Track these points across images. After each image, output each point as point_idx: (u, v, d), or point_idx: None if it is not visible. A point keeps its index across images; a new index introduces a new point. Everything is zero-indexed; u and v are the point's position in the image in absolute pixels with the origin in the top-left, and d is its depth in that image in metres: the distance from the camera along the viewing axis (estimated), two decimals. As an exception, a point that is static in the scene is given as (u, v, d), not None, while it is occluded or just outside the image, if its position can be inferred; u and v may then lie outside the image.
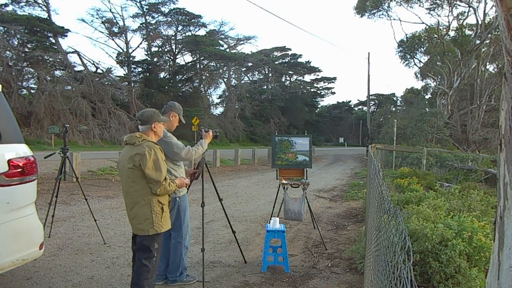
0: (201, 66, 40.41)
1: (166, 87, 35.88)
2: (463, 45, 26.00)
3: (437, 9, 26.74)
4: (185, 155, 3.66)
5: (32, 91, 26.38)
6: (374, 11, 27.84)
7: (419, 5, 26.57)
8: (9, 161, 3.03)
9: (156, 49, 37.89)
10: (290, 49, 50.84)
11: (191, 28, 38.14)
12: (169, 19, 36.61)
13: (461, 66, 25.74)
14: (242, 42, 43.00)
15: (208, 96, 42.88)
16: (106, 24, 33.34)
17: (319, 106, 62.78)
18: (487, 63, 29.57)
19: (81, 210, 7.00)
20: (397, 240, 1.38)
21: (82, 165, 11.44)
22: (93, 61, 39.05)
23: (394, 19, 32.07)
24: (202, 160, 3.99)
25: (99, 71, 30.17)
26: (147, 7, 34.87)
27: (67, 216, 6.56)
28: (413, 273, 1.11)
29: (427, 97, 37.64)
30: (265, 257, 4.25)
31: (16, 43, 25.67)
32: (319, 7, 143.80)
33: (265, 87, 49.94)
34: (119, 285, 3.75)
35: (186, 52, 39.02)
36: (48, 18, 27.89)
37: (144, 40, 36.20)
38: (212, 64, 40.46)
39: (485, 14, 24.16)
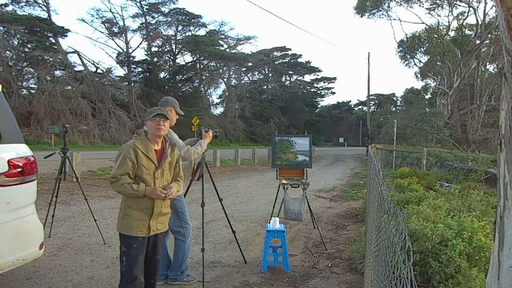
0: (201, 66, 40.43)
1: (166, 87, 35.89)
2: (463, 45, 26.01)
3: (437, 9, 26.78)
4: (184, 154, 3.64)
5: (32, 91, 26.39)
6: (374, 11, 27.85)
7: (419, 5, 26.60)
8: (9, 161, 3.02)
9: (156, 49, 37.94)
10: (290, 49, 50.92)
11: (191, 28, 38.17)
12: (169, 19, 36.63)
13: (461, 66, 25.74)
14: (242, 42, 43.06)
15: (208, 96, 42.91)
16: (106, 24, 33.36)
17: (319, 106, 62.83)
18: (487, 63, 29.58)
19: (81, 210, 7.00)
20: (397, 240, 1.38)
21: (82, 165, 11.44)
22: (93, 61, 39.11)
23: (394, 19, 32.12)
24: (202, 160, 3.98)
25: (99, 71, 30.19)
26: (147, 7, 34.89)
27: (67, 216, 6.56)
28: (413, 273, 1.11)
29: (427, 97, 37.66)
30: (265, 257, 4.25)
31: (16, 43, 25.69)
32: (319, 7, 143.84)
33: (265, 87, 49.95)
34: (119, 285, 3.74)
35: (186, 52, 39.07)
36: (48, 18, 27.91)
37: (144, 40, 36.23)
38: (212, 64, 40.47)
39: (485, 14, 24.18)
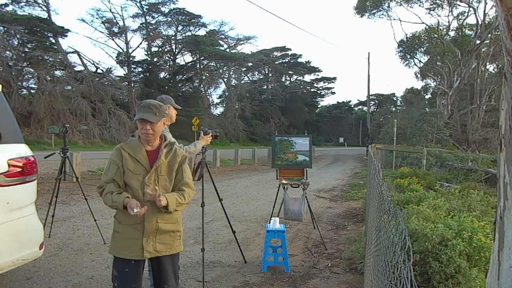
0: (201, 66, 40.43)
1: (166, 87, 35.90)
2: (463, 45, 26.01)
3: (437, 9, 26.77)
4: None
5: (32, 91, 26.40)
6: (374, 11, 27.85)
7: (419, 5, 26.60)
8: (9, 161, 3.03)
9: (156, 49, 37.94)
10: (290, 49, 50.93)
11: (191, 28, 38.17)
12: (169, 19, 36.63)
13: (461, 66, 25.74)
14: (242, 42, 43.06)
15: (208, 96, 42.92)
16: (106, 24, 33.36)
17: (319, 106, 62.85)
18: (487, 63, 29.59)
19: (81, 210, 7.00)
20: (397, 240, 1.38)
21: (82, 165, 11.44)
22: (93, 61, 39.06)
23: (394, 19, 32.10)
24: (202, 160, 3.98)
25: (99, 71, 30.20)
26: (147, 7, 34.90)
27: (67, 216, 6.56)
28: (413, 273, 1.11)
29: (427, 97, 37.68)
30: (265, 257, 4.25)
31: (16, 43, 25.70)
32: (319, 7, 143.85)
33: (265, 87, 49.96)
34: (119, 285, 3.75)
35: (186, 52, 39.07)
36: (48, 18, 27.91)
37: (144, 40, 36.23)
38: (212, 64, 40.47)
39: (485, 14, 24.18)
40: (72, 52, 29.20)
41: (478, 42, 24.28)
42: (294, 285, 3.91)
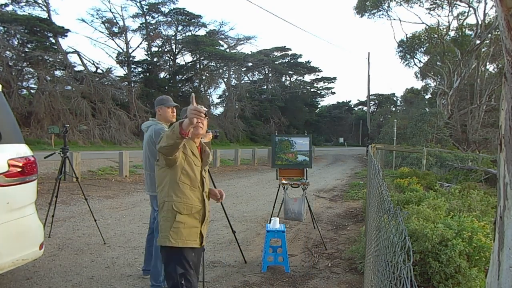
0: (201, 66, 40.41)
1: (166, 87, 35.89)
2: (463, 45, 26.00)
3: (437, 9, 26.77)
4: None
5: (32, 91, 26.38)
6: (374, 11, 27.85)
7: (419, 5, 26.60)
8: (9, 161, 3.03)
9: (156, 49, 37.91)
10: (290, 49, 50.86)
11: (191, 28, 38.14)
12: (169, 19, 36.61)
13: (461, 66, 25.74)
14: (242, 42, 43.00)
15: (208, 96, 42.87)
16: (106, 24, 33.33)
17: (319, 106, 62.78)
18: (487, 63, 29.59)
19: (81, 210, 7.00)
20: (397, 240, 1.38)
21: (82, 165, 11.44)
22: (93, 61, 39.05)
23: (394, 19, 32.09)
24: None
25: (99, 71, 30.17)
26: (147, 7, 34.88)
27: (67, 216, 6.56)
28: (413, 273, 1.11)
29: (427, 97, 37.67)
30: (265, 257, 4.26)
31: (16, 43, 25.66)
32: (319, 7, 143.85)
33: (265, 87, 49.94)
34: (119, 285, 3.75)
35: (186, 52, 39.04)
36: (48, 18, 27.89)
37: (144, 40, 36.22)
38: (212, 64, 40.45)
39: (485, 14, 24.19)
40: (72, 52, 29.20)
41: (478, 42, 24.29)
42: (294, 285, 3.91)
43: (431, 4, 26.38)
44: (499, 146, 1.60)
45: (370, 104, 43.13)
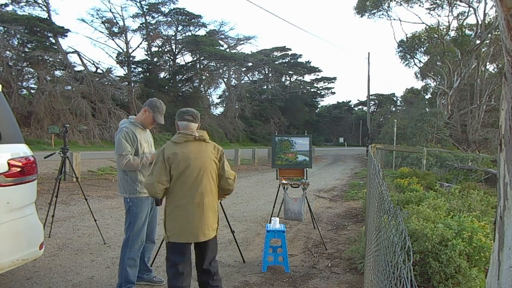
0: (201, 66, 40.41)
1: (166, 87, 35.89)
2: (463, 45, 26.01)
3: (437, 9, 26.79)
4: (117, 161, 3.38)
5: (32, 91, 26.37)
6: (374, 11, 27.86)
7: (419, 5, 26.63)
8: (9, 161, 3.03)
9: (156, 49, 37.91)
10: (290, 49, 50.87)
11: (191, 28, 38.13)
12: (169, 19, 36.60)
13: (461, 66, 25.75)
14: (242, 42, 42.99)
15: (208, 96, 42.89)
16: (106, 24, 33.32)
17: (319, 106, 62.79)
18: (487, 63, 29.60)
19: (81, 210, 7.00)
20: (397, 240, 1.38)
21: (82, 165, 11.44)
22: (93, 61, 39.06)
23: (394, 19, 32.13)
24: None
25: (99, 71, 30.17)
26: (147, 7, 34.87)
27: (67, 216, 6.56)
28: (413, 273, 1.11)
29: (427, 97, 37.70)
30: (265, 257, 4.25)
31: (16, 43, 25.66)
32: (319, 7, 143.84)
33: (265, 87, 49.94)
34: (119, 285, 3.74)
35: (186, 52, 39.03)
36: (48, 18, 27.88)
37: (144, 40, 36.21)
38: (212, 64, 40.44)
39: (485, 14, 24.19)
40: (72, 52, 29.20)
41: (478, 42, 24.29)
42: (294, 285, 3.91)
43: (431, 4, 26.41)
44: (499, 146, 1.60)
45: (370, 104, 43.12)
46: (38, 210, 3.48)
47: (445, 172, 13.99)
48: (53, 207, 5.20)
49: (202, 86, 41.62)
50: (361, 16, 28.83)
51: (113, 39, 34.50)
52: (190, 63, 39.54)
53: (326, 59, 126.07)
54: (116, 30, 34.10)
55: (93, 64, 30.52)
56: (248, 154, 20.37)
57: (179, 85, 38.87)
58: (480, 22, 23.99)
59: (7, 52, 24.31)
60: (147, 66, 35.84)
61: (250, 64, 44.54)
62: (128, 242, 3.37)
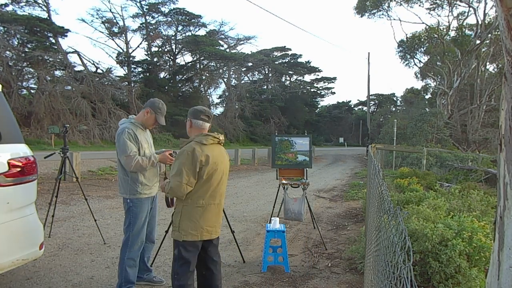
0: (201, 66, 40.41)
1: (166, 87, 35.90)
2: (463, 45, 26.01)
3: (437, 9, 26.80)
4: (125, 163, 3.33)
5: (32, 91, 26.37)
6: (374, 11, 27.86)
7: (419, 5, 26.64)
8: (9, 161, 3.02)
9: (156, 49, 37.92)
10: (290, 49, 50.87)
11: (191, 28, 38.15)
12: (169, 19, 36.61)
13: (461, 66, 25.75)
14: (242, 42, 42.99)
15: (208, 96, 42.88)
16: (106, 24, 33.32)
17: (319, 106, 62.79)
18: (487, 63, 29.60)
19: (81, 210, 7.00)
20: (397, 240, 1.38)
21: (82, 165, 11.44)
22: (93, 61, 39.07)
23: (394, 19, 32.12)
24: None
25: (99, 71, 30.17)
26: (147, 7, 34.88)
27: (67, 216, 6.56)
28: (413, 273, 1.11)
29: (427, 97, 37.71)
30: (265, 257, 4.25)
31: (16, 43, 25.66)
32: (319, 7, 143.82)
33: (265, 87, 49.94)
34: (119, 285, 3.74)
35: (186, 52, 39.04)
36: (48, 18, 27.89)
37: (144, 40, 36.22)
38: (212, 64, 40.45)
39: (485, 14, 24.19)
40: (72, 52, 29.20)
41: (478, 42, 24.29)
42: (294, 285, 3.91)
43: (431, 4, 26.42)
44: (499, 146, 1.60)
45: (370, 104, 43.12)
46: (38, 210, 3.48)
47: (445, 172, 13.99)
48: (53, 207, 5.20)
49: (202, 86, 41.63)
50: (361, 16, 28.85)
51: (113, 39, 34.52)
52: (190, 63, 39.55)
53: (326, 59, 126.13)
54: (116, 30, 34.11)
55: (93, 64, 30.54)
56: (248, 154, 20.37)
57: (179, 85, 38.88)
58: (480, 22, 24.00)
59: (7, 52, 24.31)
60: (147, 66, 35.85)
61: (250, 64, 44.55)
62: (128, 242, 3.37)
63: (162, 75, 38.05)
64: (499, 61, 27.95)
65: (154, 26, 36.38)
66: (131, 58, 34.51)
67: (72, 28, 66.44)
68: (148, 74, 35.59)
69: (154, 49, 37.47)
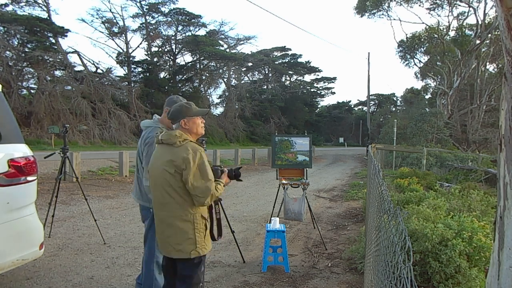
0: (201, 66, 40.42)
1: (166, 87, 35.88)
2: (463, 45, 26.01)
3: (437, 9, 26.78)
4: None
5: (32, 91, 26.38)
6: (374, 11, 27.85)
7: (419, 5, 26.62)
8: (9, 161, 3.03)
9: (156, 49, 37.92)
10: (290, 49, 50.85)
11: (191, 28, 38.14)
12: (169, 19, 36.61)
13: (461, 66, 25.74)
14: (242, 42, 42.98)
15: (208, 96, 42.88)
16: (106, 24, 33.32)
17: (319, 106, 62.79)
18: (487, 63, 29.59)
19: (81, 210, 7.00)
20: (397, 240, 1.38)
21: (82, 165, 11.44)
22: (93, 61, 39.13)
23: (394, 19, 32.11)
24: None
25: (99, 71, 30.18)
26: (147, 7, 34.87)
27: (67, 216, 6.56)
28: (413, 273, 1.11)
29: (427, 97, 37.70)
30: (265, 257, 4.25)
31: (16, 43, 25.65)
32: (319, 7, 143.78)
33: (265, 87, 49.95)
34: (119, 285, 3.75)
35: (186, 52, 39.04)
36: (48, 18, 27.88)
37: (144, 40, 36.21)
38: (212, 64, 40.45)
39: (485, 14, 24.18)
40: (72, 52, 29.21)
41: (478, 42, 24.29)
42: (294, 285, 3.91)
43: (431, 4, 26.40)
44: (499, 146, 1.60)
45: (370, 104, 43.14)
46: (38, 210, 3.48)
47: (445, 172, 13.99)
48: (53, 207, 5.20)
49: (202, 86, 41.62)
50: (361, 16, 28.85)
51: (113, 39, 34.51)
52: (190, 63, 39.55)
53: (326, 59, 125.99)
54: (116, 30, 34.11)
55: (93, 64, 30.55)
56: (248, 154, 20.37)
57: (179, 85, 38.87)
58: (480, 22, 23.99)
59: (7, 52, 24.31)
60: (147, 66, 35.85)
61: (250, 64, 44.56)
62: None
63: (162, 75, 38.06)
64: (499, 61, 27.95)
65: (154, 26, 36.38)
66: (131, 58, 34.51)
67: (72, 28, 66.52)
68: (148, 74, 35.59)
69: (154, 49, 37.51)
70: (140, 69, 36.29)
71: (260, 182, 12.47)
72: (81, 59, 29.63)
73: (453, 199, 5.93)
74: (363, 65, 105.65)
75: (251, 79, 49.25)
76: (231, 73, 44.16)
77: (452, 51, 27.34)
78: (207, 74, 41.21)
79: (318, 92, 58.25)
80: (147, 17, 35.60)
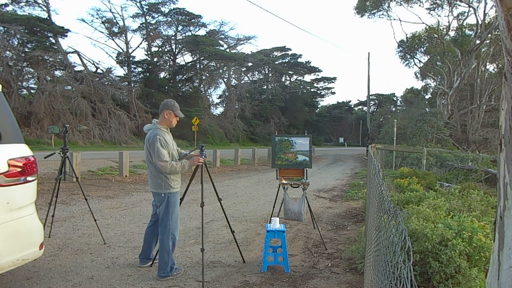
0: (201, 66, 40.44)
1: (166, 87, 35.92)
2: (463, 45, 26.01)
3: (437, 9, 26.77)
4: (161, 167, 3.76)
5: (32, 91, 26.41)
6: (374, 11, 27.85)
7: (419, 5, 26.62)
8: (9, 161, 3.02)
9: (156, 49, 37.96)
10: (290, 49, 50.94)
11: (191, 28, 38.19)
12: (169, 19, 36.64)
13: (461, 66, 25.74)
14: (242, 42, 43.04)
15: (208, 96, 42.93)
16: (106, 24, 33.36)
17: (319, 106, 62.87)
18: (487, 63, 29.59)
19: (81, 210, 7.00)
20: (397, 240, 1.38)
21: (82, 165, 11.44)
22: (93, 61, 39.19)
23: (394, 19, 32.14)
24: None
25: (99, 71, 30.21)
26: (147, 7, 34.90)
27: (67, 216, 6.56)
28: (413, 273, 1.11)
29: (427, 97, 37.70)
30: (265, 257, 4.25)
31: (16, 43, 25.69)
32: (319, 7, 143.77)
33: (265, 87, 49.99)
34: (119, 285, 3.74)
35: (186, 52, 39.08)
36: (48, 18, 27.91)
37: (144, 40, 36.23)
38: (212, 64, 40.47)
39: (485, 14, 24.17)
40: (72, 52, 29.24)
41: (478, 42, 24.28)
42: (294, 285, 3.91)
43: (431, 4, 26.40)
44: (499, 146, 1.60)
45: (370, 104, 43.12)
46: (38, 210, 3.48)
47: (445, 172, 13.98)
48: (53, 207, 5.20)
49: (202, 86, 41.65)
50: (361, 16, 28.85)
51: (113, 39, 34.55)
52: (190, 63, 39.58)
53: (326, 59, 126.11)
54: (116, 30, 34.14)
55: (93, 64, 30.58)
56: (248, 154, 20.37)
57: (179, 85, 38.90)
58: (480, 22, 23.99)
59: (7, 52, 24.34)
60: (147, 66, 35.87)
61: (250, 64, 44.61)
62: (169, 230, 3.83)
63: (162, 75, 38.10)
64: (499, 61, 27.95)
65: (154, 26, 36.42)
66: (131, 58, 34.53)
67: (72, 28, 66.58)
68: (148, 74, 35.61)
69: (154, 49, 37.55)
70: (140, 69, 36.33)
71: (260, 182, 12.47)
72: (81, 59, 29.67)
73: (453, 199, 5.93)
74: (363, 65, 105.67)
75: (251, 79, 49.31)
76: (231, 73, 44.20)
77: (452, 51, 27.34)
78: (207, 74, 41.24)
79: (318, 92, 58.31)
80: (147, 17, 35.63)
